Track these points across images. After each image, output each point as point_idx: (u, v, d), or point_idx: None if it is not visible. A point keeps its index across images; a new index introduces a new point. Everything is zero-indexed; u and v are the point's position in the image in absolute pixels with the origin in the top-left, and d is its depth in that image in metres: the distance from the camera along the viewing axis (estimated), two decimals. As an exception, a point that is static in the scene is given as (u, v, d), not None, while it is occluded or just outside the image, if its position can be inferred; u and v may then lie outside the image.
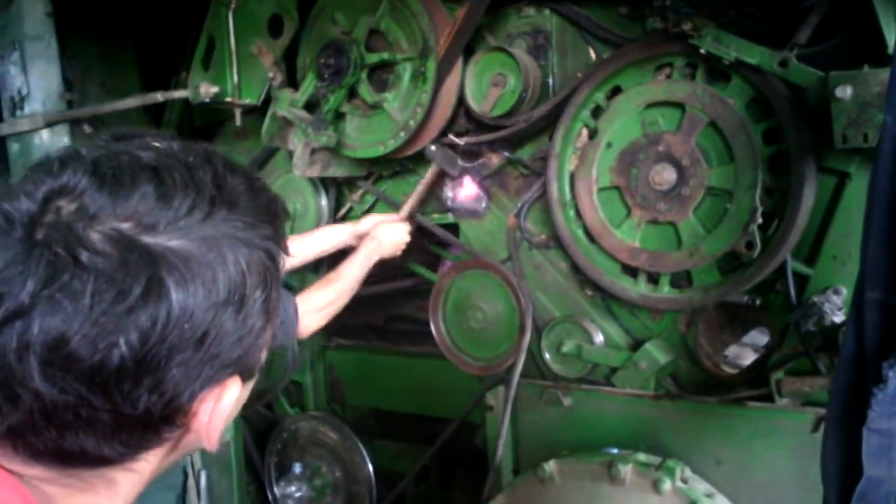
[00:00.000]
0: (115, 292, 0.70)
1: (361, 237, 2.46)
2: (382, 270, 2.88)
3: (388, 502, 2.87)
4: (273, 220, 0.84)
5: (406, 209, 2.54)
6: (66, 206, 0.73)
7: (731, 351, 2.27)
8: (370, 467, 2.91)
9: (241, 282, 0.77)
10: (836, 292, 1.96)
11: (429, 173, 2.52)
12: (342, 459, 2.96)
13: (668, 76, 2.10)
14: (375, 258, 2.42)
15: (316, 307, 2.26)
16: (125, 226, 0.73)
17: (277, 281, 0.83)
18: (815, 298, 1.94)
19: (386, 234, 2.44)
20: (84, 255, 0.70)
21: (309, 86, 2.38)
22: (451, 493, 3.02)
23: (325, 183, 2.78)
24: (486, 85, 2.33)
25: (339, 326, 3.05)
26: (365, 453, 2.94)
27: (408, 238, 2.51)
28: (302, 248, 2.50)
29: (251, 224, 0.79)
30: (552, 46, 2.33)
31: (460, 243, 2.55)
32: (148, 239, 0.73)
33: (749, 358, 2.29)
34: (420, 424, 3.02)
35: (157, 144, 0.81)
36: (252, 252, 0.79)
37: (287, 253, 0.86)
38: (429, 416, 2.92)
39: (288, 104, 2.36)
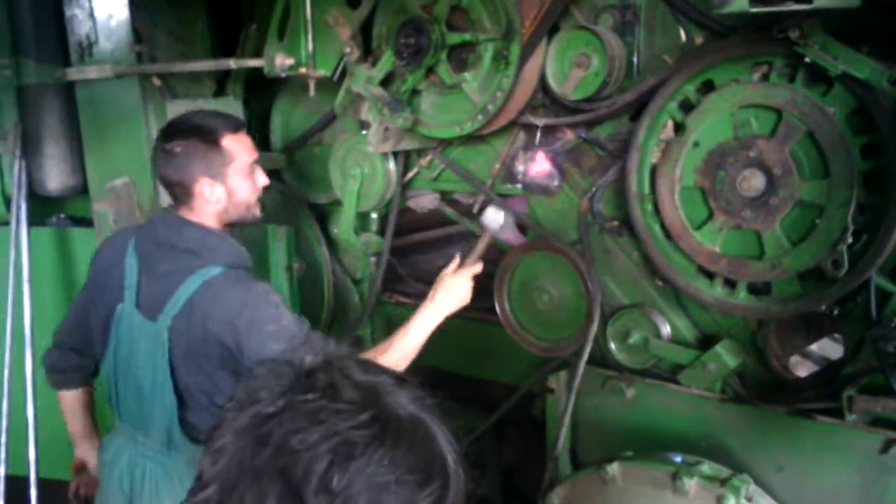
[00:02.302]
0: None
1: None
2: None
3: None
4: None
5: (472, 259, 2.39)
6: None
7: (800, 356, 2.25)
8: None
9: None
10: (920, 313, 1.92)
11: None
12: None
13: (766, 75, 2.00)
14: (438, 320, 2.25)
15: None
16: None
17: None
18: (898, 321, 1.91)
19: (444, 296, 2.26)
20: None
21: (386, 63, 2.31)
22: (503, 450, 3.10)
23: (393, 147, 2.74)
24: (568, 64, 2.23)
25: (395, 277, 3.09)
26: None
27: (470, 287, 2.31)
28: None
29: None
30: (640, 23, 2.22)
31: (531, 224, 2.52)
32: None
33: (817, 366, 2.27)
34: (473, 385, 3.06)
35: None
36: None
37: None
38: (483, 379, 2.96)
39: (364, 81, 2.30)
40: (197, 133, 2.06)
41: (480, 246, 2.42)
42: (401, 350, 2.17)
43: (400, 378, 0.93)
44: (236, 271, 2.04)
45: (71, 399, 2.44)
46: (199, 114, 2.19)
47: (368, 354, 2.15)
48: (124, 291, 2.10)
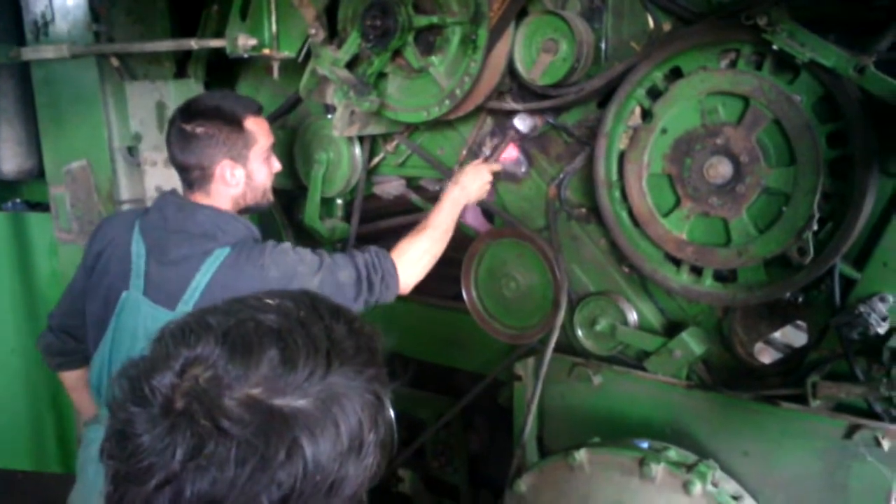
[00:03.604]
0: (258, 458, 0.78)
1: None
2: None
3: (411, 449, 2.93)
4: (374, 358, 0.92)
5: (493, 158, 2.48)
6: (202, 375, 0.80)
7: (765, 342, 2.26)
8: (392, 413, 2.95)
9: (359, 429, 0.86)
10: (883, 300, 1.93)
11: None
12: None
13: (733, 62, 1.99)
14: (463, 203, 2.37)
15: (413, 259, 2.21)
16: (256, 391, 0.81)
17: (384, 418, 0.91)
18: (861, 308, 1.91)
19: (469, 179, 2.37)
20: (225, 424, 0.78)
21: (352, 45, 2.27)
22: (469, 437, 3.09)
23: (359, 132, 2.69)
24: (535, 50, 2.21)
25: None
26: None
27: (490, 178, 2.42)
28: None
29: (359, 371, 0.88)
30: (608, 9, 2.20)
31: (498, 210, 2.50)
32: (279, 401, 0.81)
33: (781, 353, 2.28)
34: (439, 372, 3.05)
35: (271, 302, 0.89)
36: (364, 398, 0.87)
37: (386, 385, 0.93)
38: (449, 366, 2.94)
39: (330, 63, 2.25)
40: (220, 114, 2.01)
41: (503, 147, 2.46)
42: (438, 226, 2.29)
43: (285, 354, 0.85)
44: (243, 244, 2.01)
45: (73, 378, 2.36)
46: (217, 95, 2.17)
47: (408, 238, 2.25)
48: (130, 279, 2.01)
